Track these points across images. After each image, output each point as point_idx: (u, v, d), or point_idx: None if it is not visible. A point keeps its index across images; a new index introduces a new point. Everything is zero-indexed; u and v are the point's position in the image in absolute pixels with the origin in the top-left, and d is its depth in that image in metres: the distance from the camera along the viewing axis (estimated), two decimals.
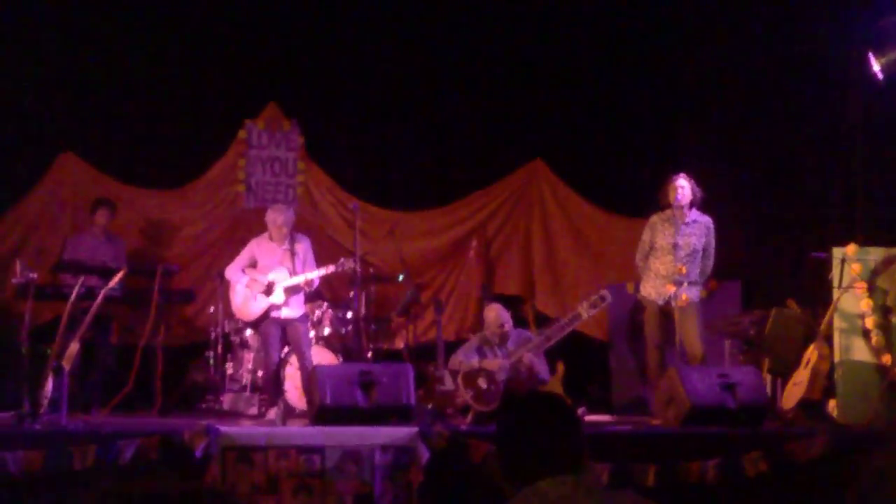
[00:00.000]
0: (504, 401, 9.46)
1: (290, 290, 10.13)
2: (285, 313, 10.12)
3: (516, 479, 3.12)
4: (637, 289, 10.83)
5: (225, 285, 11.19)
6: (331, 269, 10.14)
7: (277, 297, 10.08)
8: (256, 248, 10.36)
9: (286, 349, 10.53)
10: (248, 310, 10.23)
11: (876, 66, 9.62)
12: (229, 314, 11.25)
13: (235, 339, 11.35)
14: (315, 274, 10.12)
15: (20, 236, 12.06)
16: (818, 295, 10.35)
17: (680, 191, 10.05)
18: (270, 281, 10.08)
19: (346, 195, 12.57)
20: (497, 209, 13.13)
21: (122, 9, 12.21)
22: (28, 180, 12.18)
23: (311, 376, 9.27)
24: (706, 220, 10.22)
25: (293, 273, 10.11)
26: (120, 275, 9.57)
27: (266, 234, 10.38)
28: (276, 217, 10.27)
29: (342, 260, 10.29)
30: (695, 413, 8.77)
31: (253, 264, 10.28)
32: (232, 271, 10.34)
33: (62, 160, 12.26)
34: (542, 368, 9.79)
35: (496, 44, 12.95)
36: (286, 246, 10.24)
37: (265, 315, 10.14)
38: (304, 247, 10.36)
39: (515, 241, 13.16)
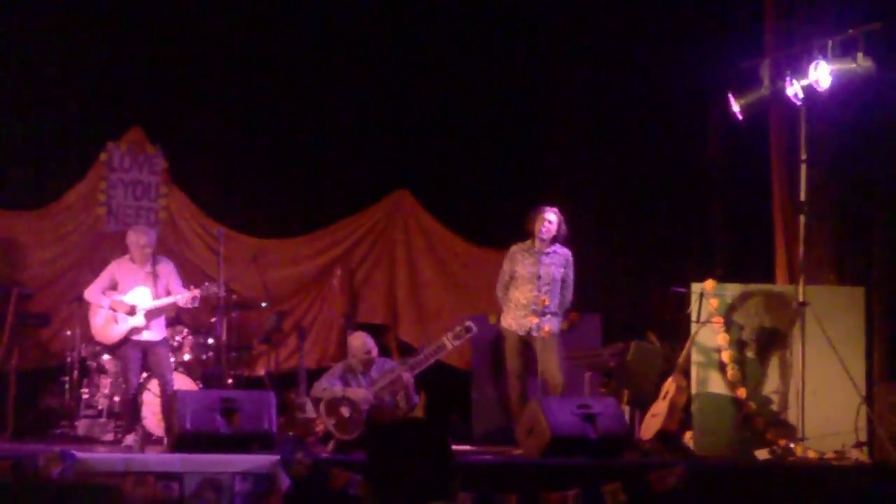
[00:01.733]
0: (368, 429, 9.41)
1: (152, 314, 9.92)
2: (146, 336, 9.89)
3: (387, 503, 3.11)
4: (499, 320, 10.90)
5: (83, 309, 10.96)
6: (196, 292, 9.98)
7: (138, 319, 9.85)
8: (117, 269, 10.10)
9: (144, 374, 10.33)
10: (108, 332, 9.97)
11: (736, 107, 9.85)
12: (86, 338, 11.02)
13: (92, 363, 11.12)
14: (184, 296, 9.92)
15: None
16: (677, 329, 10.55)
17: (547, 224, 10.13)
18: (132, 303, 9.86)
19: (210, 221, 12.44)
20: (362, 238, 13.12)
21: None
22: None
23: (170, 401, 9.13)
24: (565, 251, 10.32)
25: (155, 296, 9.91)
26: None
27: (127, 256, 10.14)
28: (139, 238, 10.05)
29: (206, 284, 10.15)
30: (556, 443, 8.83)
31: (113, 286, 10.02)
32: (92, 293, 10.07)
33: None
34: (414, 392, 9.78)
35: (361, 71, 12.96)
36: (148, 268, 10.02)
37: (125, 338, 9.90)
38: (166, 269, 10.14)
39: (380, 270, 13.17)
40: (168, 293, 9.98)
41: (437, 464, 3.18)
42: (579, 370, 11.06)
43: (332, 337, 12.79)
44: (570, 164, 12.76)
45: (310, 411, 10.46)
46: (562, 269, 10.23)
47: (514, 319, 10.19)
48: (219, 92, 12.68)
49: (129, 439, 9.48)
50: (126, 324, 9.85)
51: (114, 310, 9.85)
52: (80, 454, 8.00)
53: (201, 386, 10.76)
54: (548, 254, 10.16)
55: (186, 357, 11.15)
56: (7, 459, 7.83)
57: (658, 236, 12.02)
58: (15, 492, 7.54)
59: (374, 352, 9.98)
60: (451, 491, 3.13)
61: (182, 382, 10.45)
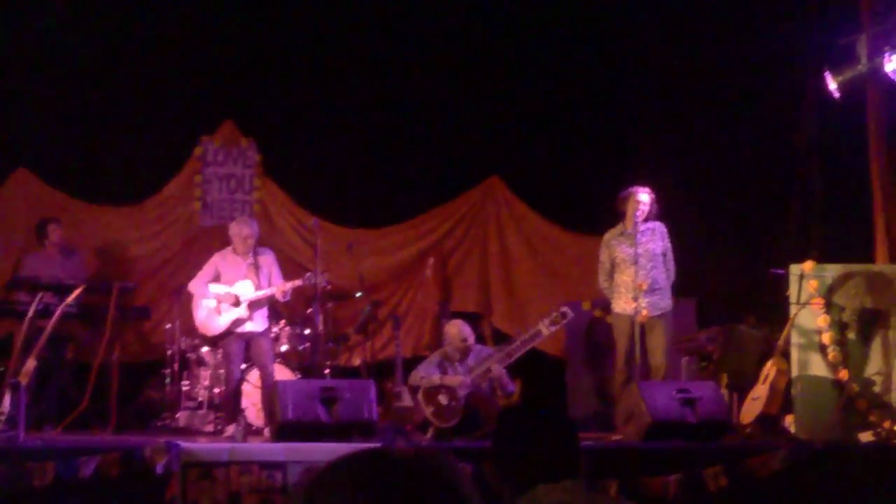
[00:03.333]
0: (465, 416, 9.45)
1: (255, 305, 10.05)
2: (249, 327, 10.04)
3: (515, 484, 3.12)
4: (595, 305, 10.86)
5: (182, 302, 11.13)
6: (297, 283, 10.09)
7: (241, 311, 10.00)
8: (220, 261, 10.26)
9: (244, 365, 10.45)
10: (211, 325, 10.13)
11: (833, 85, 9.71)
12: (186, 331, 11.20)
13: (192, 356, 11.27)
14: (288, 286, 10.02)
15: None
16: (775, 311, 10.43)
17: (641, 206, 10.03)
18: (236, 294, 9.99)
19: (304, 212, 12.53)
20: (454, 226, 13.15)
21: (77, 22, 12.12)
22: None
23: (272, 391, 9.21)
24: (658, 225, 10.19)
25: (258, 287, 10.03)
26: (78, 291, 9.52)
27: (230, 248, 10.29)
28: (242, 229, 10.19)
29: (308, 274, 10.25)
30: (655, 428, 8.79)
31: (217, 278, 10.18)
32: (196, 285, 10.24)
33: (16, 177, 12.17)
34: (508, 382, 9.79)
35: (453, 61, 12.98)
36: (250, 259, 10.16)
37: (228, 330, 10.04)
38: (268, 260, 10.29)
39: (472, 258, 13.18)
40: (270, 284, 10.11)
41: (563, 445, 3.19)
42: (675, 355, 10.99)
43: (427, 326, 12.82)
44: (662, 146, 12.65)
45: (406, 400, 10.51)
46: (661, 243, 10.14)
47: (626, 303, 10.08)
48: (310, 84, 12.77)
49: (231, 430, 9.57)
50: (229, 315, 9.98)
51: (219, 301, 9.98)
52: (184, 444, 8.12)
53: (299, 376, 10.84)
54: (643, 232, 10.04)
55: (284, 348, 11.25)
56: (114, 451, 7.96)
57: (753, 218, 11.88)
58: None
59: (471, 339, 10.01)
60: (576, 472, 3.13)
61: (280, 373, 10.54)
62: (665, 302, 10.08)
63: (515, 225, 13.13)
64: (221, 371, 10.77)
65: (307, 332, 11.42)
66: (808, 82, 11.20)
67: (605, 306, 10.75)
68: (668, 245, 10.22)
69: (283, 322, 11.36)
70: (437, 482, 1.71)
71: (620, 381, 10.11)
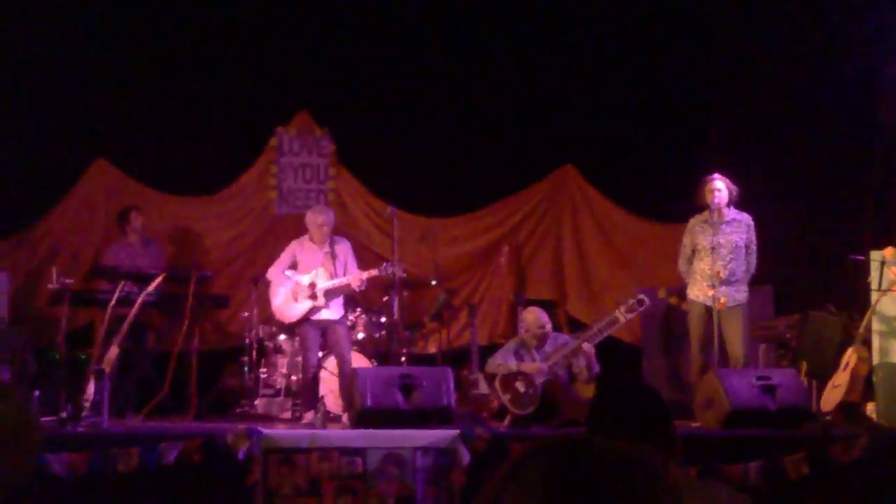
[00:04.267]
0: (543, 404, 9.44)
1: (331, 293, 10.13)
2: (325, 315, 10.14)
3: None
4: (671, 292, 10.81)
5: (259, 290, 11.24)
6: (374, 272, 10.15)
7: (318, 299, 10.09)
8: (298, 249, 10.39)
9: (321, 353, 10.52)
10: (288, 312, 10.25)
11: None
12: (263, 319, 11.30)
13: (269, 344, 11.37)
14: (365, 275, 10.09)
15: (54, 243, 12.13)
16: (855, 298, 10.33)
17: (717, 193, 9.99)
18: (312, 282, 10.08)
19: (379, 201, 12.59)
20: (528, 215, 13.14)
21: (155, 15, 12.26)
22: (61, 187, 12.25)
23: (351, 378, 9.26)
24: (745, 217, 10.17)
25: (333, 275, 10.12)
26: (159, 279, 9.67)
27: (307, 236, 10.40)
28: (317, 217, 10.29)
29: (385, 264, 10.32)
30: (735, 415, 8.75)
31: (294, 266, 10.30)
32: (273, 272, 10.40)
33: (95, 167, 12.34)
34: (596, 361, 9.76)
35: (526, 49, 12.95)
36: (326, 248, 10.25)
37: (305, 318, 10.14)
38: (344, 249, 10.39)
39: (546, 246, 13.16)
40: (346, 272, 10.19)
41: (662, 428, 3.19)
42: (753, 343, 10.92)
43: (501, 314, 12.84)
44: (737, 133, 12.54)
45: (483, 387, 10.53)
46: (744, 236, 10.08)
47: (700, 290, 10.05)
48: (384, 74, 12.81)
49: (310, 416, 9.64)
50: (305, 303, 10.07)
51: (295, 289, 10.08)
52: (265, 430, 8.20)
53: (376, 364, 10.89)
54: (728, 222, 10.01)
55: (360, 336, 11.31)
56: (197, 437, 8.06)
57: (831, 204, 11.75)
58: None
59: (548, 326, 10.00)
60: (678, 455, 3.14)
61: (357, 361, 10.59)
62: (741, 294, 10.03)
63: (589, 213, 13.10)
64: (299, 359, 10.86)
65: (383, 320, 11.48)
66: (888, 67, 11.05)
67: (681, 294, 10.71)
68: (753, 238, 10.16)
69: (359, 310, 11.42)
70: (637, 475, 1.68)
71: (696, 368, 10.08)
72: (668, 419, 3.26)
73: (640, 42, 12.85)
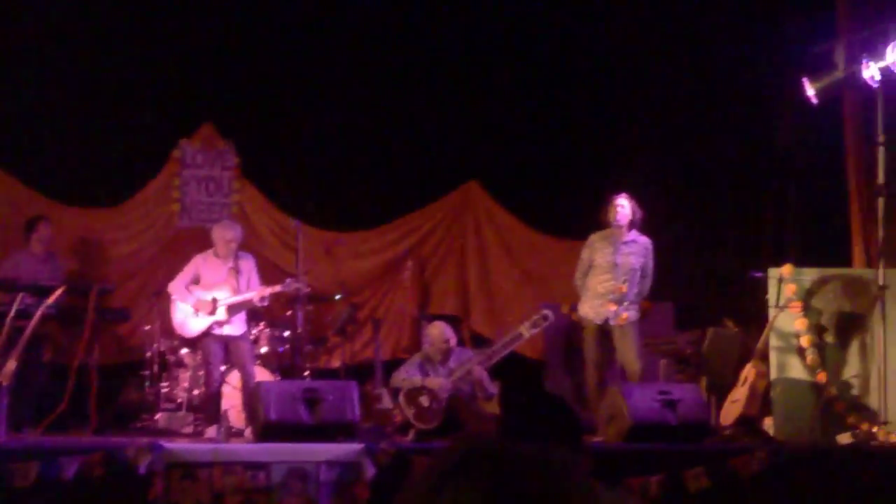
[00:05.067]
0: (447, 418, 9.48)
1: (233, 309, 10.05)
2: (227, 331, 10.05)
3: None
4: (573, 308, 10.90)
5: (161, 304, 11.12)
6: (277, 288, 10.10)
7: (219, 314, 10.00)
8: (202, 263, 10.27)
9: (223, 367, 10.42)
10: (188, 327, 10.14)
11: (810, 91, 9.79)
12: (165, 333, 11.17)
13: (171, 357, 11.25)
14: (268, 291, 10.03)
15: None
16: (753, 314, 10.52)
17: (620, 209, 10.10)
18: (214, 298, 10.00)
19: (283, 215, 12.52)
20: (432, 230, 13.18)
21: (56, 22, 12.08)
22: None
23: (254, 392, 9.21)
24: (645, 240, 10.27)
25: (236, 291, 10.04)
26: (59, 292, 9.46)
27: (211, 251, 10.30)
28: (225, 233, 10.20)
29: (289, 280, 10.25)
30: (636, 429, 8.84)
31: (196, 280, 10.19)
32: (175, 287, 10.25)
33: None
34: (489, 384, 9.83)
35: (431, 65, 13.01)
36: (231, 263, 10.17)
37: (206, 332, 10.05)
38: (248, 265, 10.32)
39: (451, 261, 13.22)
40: (249, 288, 10.13)
41: (571, 439, 3.22)
42: (654, 358, 11.07)
43: (405, 328, 12.84)
44: (640, 151, 12.72)
45: (386, 402, 10.54)
46: (641, 259, 10.18)
47: (591, 308, 10.17)
48: (290, 87, 12.78)
49: (212, 431, 9.58)
50: (207, 318, 9.99)
51: (196, 308, 9.98)
52: (168, 445, 8.12)
53: (279, 378, 10.83)
54: (626, 243, 10.12)
55: (263, 350, 11.24)
56: (97, 451, 7.95)
57: (730, 222, 11.97)
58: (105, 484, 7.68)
59: (453, 341, 10.05)
60: (585, 458, 3.16)
61: (260, 375, 10.51)
62: (631, 313, 10.12)
63: (493, 229, 13.18)
64: (201, 373, 10.76)
65: (286, 334, 11.43)
66: (785, 88, 11.29)
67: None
68: (650, 263, 10.26)
69: (262, 324, 11.35)
70: (554, 476, 1.68)
71: (592, 384, 10.19)
72: (576, 425, 3.30)
73: (546, 60, 12.98)
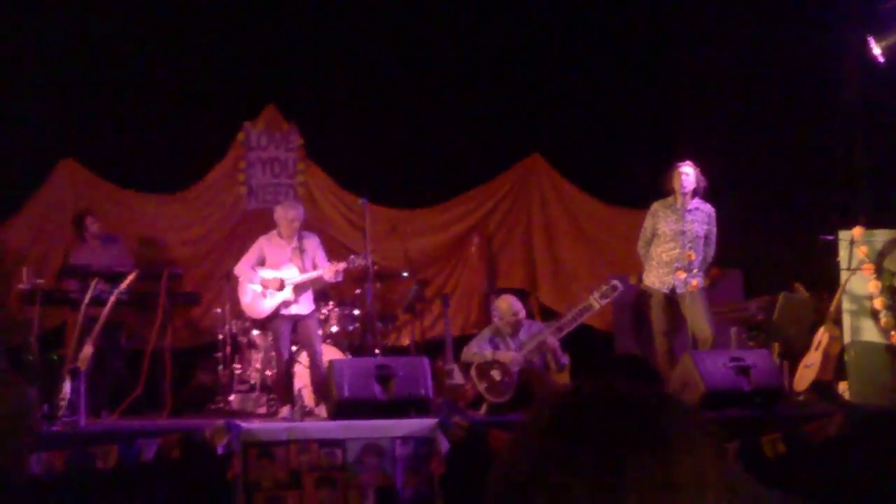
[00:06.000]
0: (519, 391, 9.48)
1: (299, 288, 10.06)
2: (294, 310, 10.05)
3: None
4: (639, 279, 10.86)
5: (231, 286, 11.22)
6: (342, 265, 10.08)
7: (286, 294, 10.02)
8: (266, 244, 10.30)
9: (294, 347, 10.49)
10: (257, 308, 10.19)
11: (877, 50, 9.69)
12: (236, 315, 11.26)
13: (243, 339, 11.34)
14: (328, 270, 10.06)
15: (23, 244, 12.03)
16: (825, 278, 10.42)
17: (685, 177, 10.04)
18: (281, 278, 10.05)
19: (348, 194, 12.58)
20: (497, 204, 13.20)
21: (119, 13, 12.20)
22: (29, 187, 12.16)
23: (327, 371, 9.25)
24: (708, 207, 10.21)
25: (302, 270, 10.05)
26: (131, 277, 9.59)
27: (275, 232, 10.32)
28: (288, 213, 10.22)
29: (352, 256, 10.24)
30: (710, 397, 8.79)
31: (262, 261, 10.23)
32: (241, 269, 10.30)
33: (63, 166, 12.26)
34: (562, 354, 9.82)
35: (493, 39, 12.99)
36: (295, 244, 10.19)
37: (275, 313, 10.08)
38: (312, 244, 10.32)
39: (516, 235, 13.23)
40: (314, 267, 10.13)
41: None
42: (724, 326, 10.99)
43: (474, 304, 12.89)
44: (705, 117, 12.62)
45: (458, 377, 10.56)
46: (705, 226, 10.12)
47: (658, 277, 10.13)
48: (350, 66, 12.81)
49: (286, 411, 9.64)
50: (275, 298, 10.03)
51: (264, 286, 10.04)
52: (244, 425, 8.20)
53: (349, 356, 10.87)
54: (690, 210, 10.06)
55: (334, 329, 11.29)
56: (175, 433, 8.05)
57: (798, 186, 11.84)
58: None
59: (522, 314, 10.04)
60: None
61: (330, 354, 10.55)
62: (698, 280, 10.06)
63: (558, 201, 13.18)
64: (273, 354, 10.84)
65: (356, 312, 11.48)
66: (851, 47, 11.15)
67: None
68: (713, 230, 10.19)
69: (331, 304, 11.40)
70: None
71: (662, 352, 10.15)
72: (659, 380, 3.30)
73: (606, 29, 12.92)
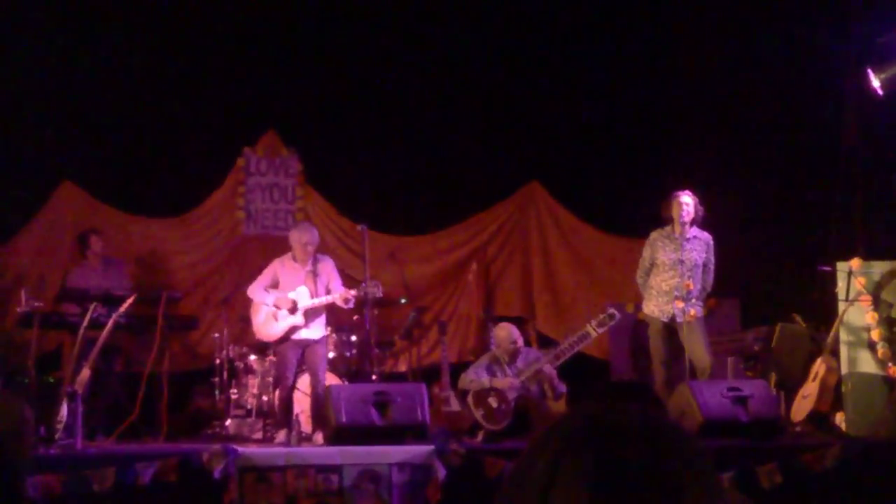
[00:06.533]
0: (516, 419, 9.49)
1: (311, 312, 9.97)
2: (305, 335, 9.96)
3: None
4: (638, 308, 10.88)
5: (228, 311, 11.25)
6: (351, 293, 9.97)
7: (297, 318, 9.94)
8: (280, 267, 10.21)
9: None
10: (269, 330, 10.09)
11: (875, 82, 9.73)
12: (234, 339, 11.27)
13: (240, 364, 11.29)
14: (348, 294, 9.95)
15: (21, 266, 12.03)
16: (822, 309, 10.45)
17: (685, 207, 10.06)
18: (293, 299, 9.99)
19: (347, 220, 12.61)
20: (496, 232, 13.23)
21: (121, 37, 12.25)
22: (29, 209, 12.17)
23: (325, 396, 9.25)
24: (706, 236, 10.24)
25: (314, 294, 9.97)
26: (130, 301, 9.58)
27: (289, 255, 10.22)
28: (302, 236, 10.10)
29: (364, 284, 10.11)
30: (707, 426, 8.80)
31: (275, 284, 10.15)
32: (254, 290, 10.23)
33: (62, 189, 12.27)
34: (559, 382, 9.84)
35: (492, 67, 13.03)
36: (309, 267, 10.09)
37: (285, 336, 10.00)
38: (327, 267, 10.22)
39: (515, 262, 13.25)
40: (328, 292, 10.04)
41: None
42: (721, 355, 11.01)
43: (471, 331, 12.89)
44: (703, 148, 12.64)
45: (454, 405, 10.57)
46: (703, 255, 10.15)
47: (657, 306, 10.15)
48: (350, 92, 12.83)
49: (282, 436, 9.60)
50: (286, 321, 9.96)
51: (277, 307, 9.99)
52: (241, 449, 8.20)
53: (346, 382, 10.85)
54: (689, 239, 10.08)
55: (331, 354, 11.25)
56: (172, 457, 8.05)
57: (796, 217, 11.89)
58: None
59: (520, 342, 10.07)
60: None
61: (328, 380, 10.52)
62: (697, 309, 10.08)
63: (556, 229, 13.20)
64: (269, 379, 10.84)
65: (353, 338, 11.48)
66: (850, 80, 11.21)
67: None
68: (712, 258, 10.22)
69: (329, 329, 11.38)
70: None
71: (660, 381, 10.15)
72: (661, 406, 3.31)
73: (605, 58, 12.95)
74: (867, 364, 9.76)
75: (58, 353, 11.14)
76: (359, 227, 10.89)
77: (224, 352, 11.30)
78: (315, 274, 10.06)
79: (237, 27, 12.65)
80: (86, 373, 9.01)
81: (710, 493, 1.65)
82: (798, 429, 9.73)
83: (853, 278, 9.73)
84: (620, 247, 12.72)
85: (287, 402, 9.99)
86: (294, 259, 10.18)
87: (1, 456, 2.01)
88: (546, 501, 1.63)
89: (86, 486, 7.76)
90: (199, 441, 10.33)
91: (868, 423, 9.59)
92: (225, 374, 11.27)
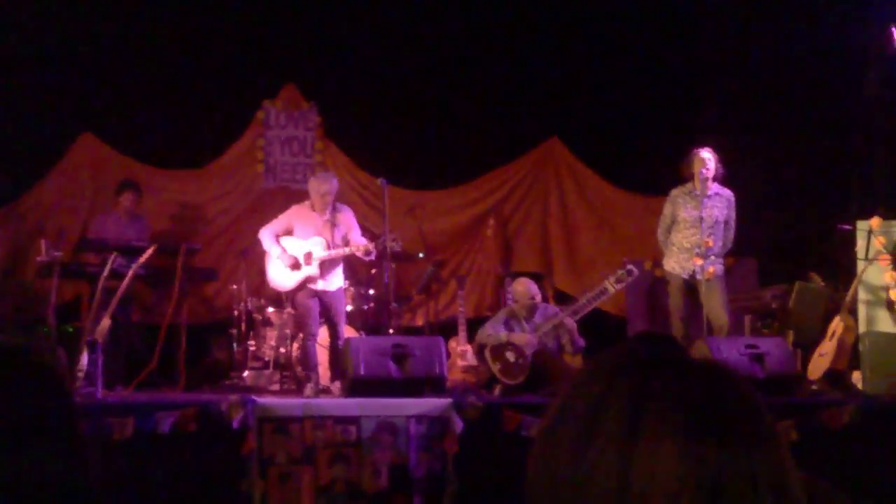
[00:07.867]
0: (533, 373, 9.52)
1: (327, 264, 9.84)
2: (321, 286, 9.83)
3: None
4: (657, 265, 10.87)
5: (247, 263, 11.26)
6: (371, 245, 9.84)
7: (312, 269, 9.81)
8: (295, 214, 10.05)
9: None
10: (282, 280, 9.96)
11: None
12: (252, 291, 11.30)
13: (258, 316, 11.33)
14: (359, 248, 9.81)
15: (41, 217, 12.08)
16: (841, 268, 10.43)
17: (707, 163, 10.03)
18: (294, 257, 9.87)
19: (365, 174, 12.61)
20: (514, 187, 13.21)
21: None
22: (48, 161, 12.20)
23: (344, 348, 9.27)
24: (727, 193, 10.21)
25: (331, 244, 9.81)
26: (150, 252, 9.63)
27: (308, 203, 10.06)
28: (320, 185, 9.93)
29: (382, 238, 9.95)
30: None
31: (288, 231, 10.00)
32: (264, 234, 10.06)
33: (81, 141, 12.29)
34: (578, 336, 9.85)
35: (513, 22, 12.98)
36: (327, 216, 9.93)
37: (300, 286, 9.87)
38: (346, 218, 10.07)
39: (533, 218, 13.24)
40: (346, 243, 9.91)
41: None
42: (738, 314, 11.02)
43: (488, 286, 12.91)
44: (723, 105, 12.61)
45: (471, 359, 10.58)
46: (725, 211, 10.13)
47: (678, 262, 10.14)
48: (369, 46, 12.80)
49: (309, 389, 9.49)
50: (301, 272, 9.84)
51: (285, 263, 9.87)
52: (259, 400, 8.24)
53: (363, 335, 10.87)
54: (710, 196, 10.06)
55: (349, 308, 11.24)
56: (192, 406, 8.09)
57: (816, 175, 11.84)
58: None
59: (538, 297, 10.08)
60: None
61: (346, 333, 10.53)
62: (718, 267, 10.07)
63: (575, 185, 13.18)
64: (287, 331, 10.86)
65: (371, 292, 11.50)
66: (872, 38, 11.13)
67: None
68: (733, 215, 10.20)
69: (347, 283, 11.37)
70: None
71: (678, 337, 10.09)
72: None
73: (626, 13, 12.88)
74: (885, 323, 9.74)
75: (77, 304, 11.17)
76: (378, 181, 10.80)
77: (242, 304, 11.35)
78: (333, 224, 9.92)
79: None
80: (106, 322, 9.06)
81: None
82: (815, 387, 9.73)
83: (873, 237, 9.70)
84: (639, 204, 12.71)
85: (310, 352, 9.82)
86: (312, 208, 10.03)
87: (61, 391, 2.03)
88: (633, 424, 1.52)
89: (106, 434, 7.80)
90: (217, 392, 10.37)
91: (885, 381, 9.58)
92: (243, 326, 11.32)
